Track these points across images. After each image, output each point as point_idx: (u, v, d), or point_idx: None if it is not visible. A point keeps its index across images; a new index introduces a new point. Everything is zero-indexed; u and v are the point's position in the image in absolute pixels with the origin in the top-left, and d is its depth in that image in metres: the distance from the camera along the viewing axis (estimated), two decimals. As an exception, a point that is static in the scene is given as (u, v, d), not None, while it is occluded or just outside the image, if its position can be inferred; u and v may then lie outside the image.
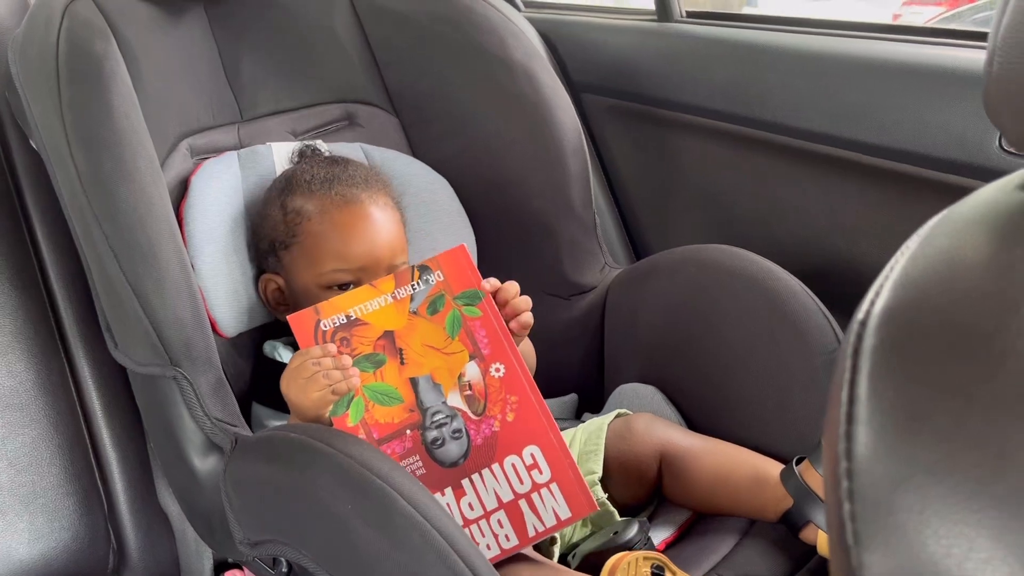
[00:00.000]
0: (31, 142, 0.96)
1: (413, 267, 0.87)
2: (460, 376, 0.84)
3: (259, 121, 1.16)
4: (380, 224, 0.98)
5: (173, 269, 0.85)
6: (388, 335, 0.84)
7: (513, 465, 0.82)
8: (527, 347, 1.02)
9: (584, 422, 1.10)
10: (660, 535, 0.92)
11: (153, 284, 0.83)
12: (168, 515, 1.07)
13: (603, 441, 0.96)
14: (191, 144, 1.08)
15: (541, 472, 0.82)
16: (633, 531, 0.83)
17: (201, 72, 1.12)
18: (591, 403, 1.16)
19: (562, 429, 0.92)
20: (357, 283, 0.95)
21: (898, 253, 0.41)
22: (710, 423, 1.00)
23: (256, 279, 1.02)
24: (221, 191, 1.04)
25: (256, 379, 1.01)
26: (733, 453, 0.93)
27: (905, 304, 0.37)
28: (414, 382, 0.83)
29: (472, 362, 0.85)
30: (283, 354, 0.99)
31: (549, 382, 0.98)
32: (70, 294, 1.03)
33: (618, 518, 0.91)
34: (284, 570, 0.83)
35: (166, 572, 1.06)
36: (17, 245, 1.01)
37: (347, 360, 0.81)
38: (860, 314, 0.38)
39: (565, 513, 0.81)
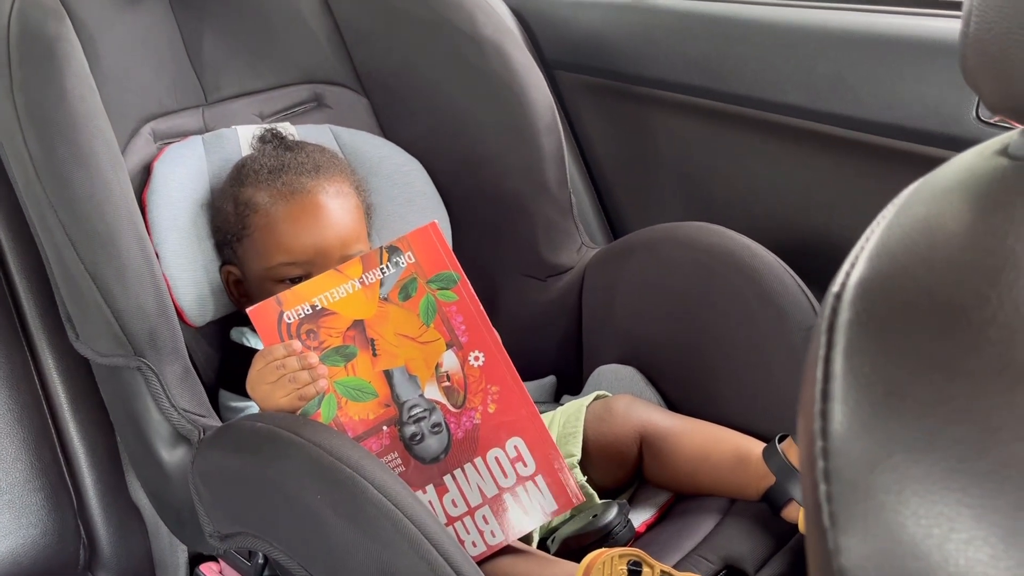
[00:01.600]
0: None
1: (381, 249, 0.82)
2: (437, 366, 0.81)
3: (224, 104, 1.13)
4: (329, 214, 0.95)
5: (134, 256, 0.82)
6: (358, 325, 0.79)
7: (496, 459, 0.79)
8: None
9: (563, 404, 1.10)
10: (640, 517, 0.91)
11: (114, 272, 0.80)
12: (140, 509, 1.04)
13: (582, 423, 0.94)
14: (154, 128, 1.05)
15: (526, 465, 0.80)
16: (613, 514, 0.82)
17: (163, 54, 1.09)
18: (569, 385, 1.14)
19: (541, 412, 0.91)
20: (307, 276, 0.93)
21: (874, 223, 0.39)
22: (691, 403, 0.99)
23: (221, 269, 1.00)
24: (185, 176, 1.01)
25: (224, 366, 0.99)
26: (714, 432, 0.92)
27: (881, 275, 0.35)
28: (388, 375, 0.79)
29: (450, 351, 0.81)
30: (251, 339, 0.97)
31: (526, 365, 0.96)
32: (31, 283, 1.00)
33: (598, 501, 0.90)
34: (260, 561, 0.81)
35: (139, 567, 1.04)
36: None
37: (313, 358, 0.77)
38: (835, 287, 0.36)
39: (551, 506, 0.79)
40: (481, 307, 0.84)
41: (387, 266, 0.82)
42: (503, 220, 1.17)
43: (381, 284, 0.81)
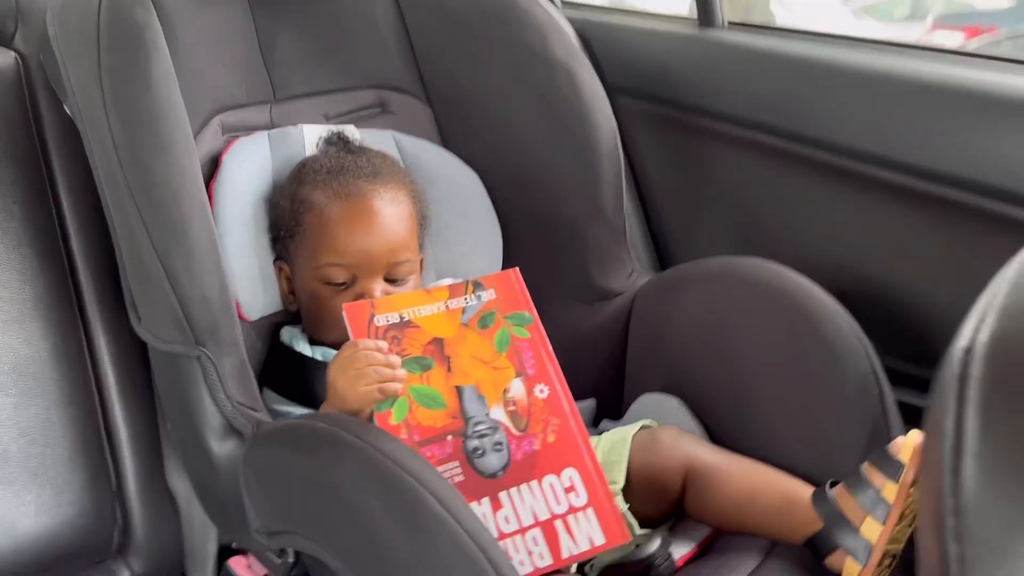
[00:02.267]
0: (65, 107, 0.94)
1: (467, 282, 0.88)
2: (505, 391, 0.84)
3: (292, 102, 1.14)
4: (381, 219, 0.96)
5: (204, 247, 0.83)
6: (438, 342, 0.84)
7: (551, 485, 0.81)
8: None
9: (604, 430, 1.09)
10: (680, 550, 0.90)
11: (183, 261, 0.81)
12: (175, 496, 1.05)
13: (627, 452, 0.93)
14: (223, 120, 1.06)
15: (578, 496, 0.81)
16: (655, 546, 0.81)
17: (237, 48, 1.10)
18: (609, 410, 1.14)
19: (583, 436, 0.91)
20: (352, 280, 0.94)
21: (997, 280, 0.39)
22: (735, 440, 0.98)
23: (275, 263, 1.01)
24: (251, 171, 1.02)
25: (270, 365, 0.99)
26: (762, 472, 0.91)
27: (1016, 334, 0.35)
28: (459, 390, 0.83)
29: (518, 379, 0.85)
30: (302, 345, 0.97)
31: (568, 386, 0.96)
32: (91, 264, 1.01)
33: (638, 530, 0.89)
34: (291, 560, 0.81)
35: (170, 553, 1.04)
36: (40, 210, 0.99)
37: (396, 359, 0.80)
38: (963, 341, 0.36)
39: (599, 539, 0.80)
40: (551, 348, 0.88)
41: (471, 297, 0.87)
42: (556, 241, 1.17)
43: (463, 311, 0.87)
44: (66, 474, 0.96)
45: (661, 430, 0.97)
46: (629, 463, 0.93)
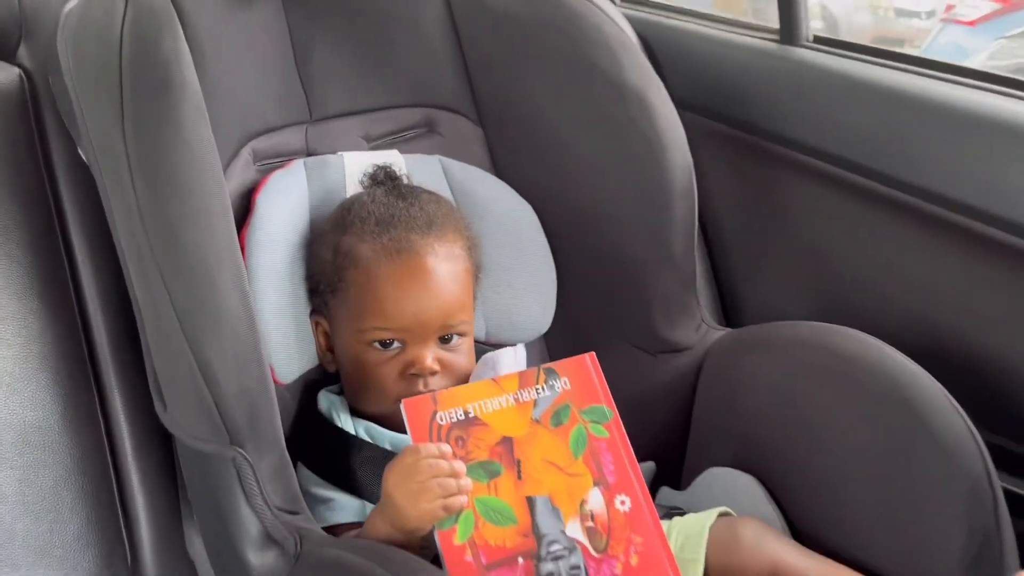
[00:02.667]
0: (78, 149, 0.82)
1: (539, 369, 0.79)
2: (582, 503, 0.75)
3: (329, 122, 1.02)
4: (435, 280, 0.86)
5: (242, 332, 0.72)
6: (507, 442, 0.75)
7: None
8: None
9: (665, 505, 1.00)
10: (761, 667, 0.81)
11: (218, 350, 0.70)
12: (195, 563, 0.95)
13: (703, 548, 0.84)
14: (254, 148, 0.94)
15: None
16: None
17: (271, 63, 0.97)
18: (669, 476, 1.04)
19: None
20: (402, 343, 0.85)
21: None
22: (818, 534, 0.89)
23: (311, 315, 0.90)
24: (287, 212, 0.90)
25: (305, 435, 0.88)
26: (860, 587, 0.82)
27: None
28: (531, 502, 0.74)
29: (596, 489, 0.76)
30: (343, 418, 0.86)
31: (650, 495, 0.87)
32: (106, 315, 0.90)
33: (716, 644, 0.81)
34: None
35: (189, 629, 0.95)
36: (48, 254, 0.87)
37: (461, 467, 0.71)
38: None
39: None
40: (631, 451, 0.79)
41: (543, 387, 0.79)
42: (616, 285, 1.06)
43: (535, 405, 0.78)
44: (77, 552, 0.86)
45: (742, 525, 0.87)
46: (705, 562, 0.84)
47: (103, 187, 0.74)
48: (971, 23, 2.46)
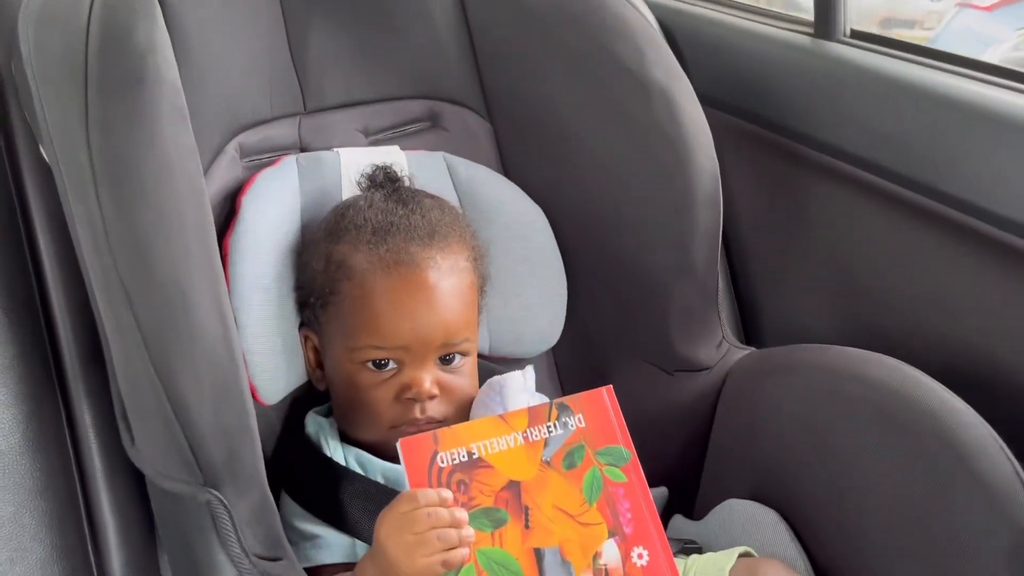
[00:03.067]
0: (40, 148, 0.74)
1: (551, 404, 0.73)
2: (595, 557, 0.69)
3: (324, 114, 0.94)
4: (436, 295, 0.79)
5: (220, 360, 0.64)
6: (513, 486, 0.69)
7: None
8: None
9: (681, 538, 0.93)
10: None
11: (192, 383, 0.63)
12: (170, 589, 0.88)
13: (724, 595, 0.77)
14: (241, 143, 0.87)
15: None
16: None
17: (262, 48, 0.89)
18: (683, 504, 0.97)
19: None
20: (398, 362, 0.78)
21: None
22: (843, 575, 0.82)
23: (300, 328, 0.83)
24: (276, 217, 0.83)
25: (291, 460, 0.81)
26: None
27: None
28: (539, 554, 0.68)
29: (611, 540, 0.70)
30: (333, 446, 0.79)
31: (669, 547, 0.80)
32: (74, 326, 0.82)
33: None
34: None
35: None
36: (14, 262, 0.79)
37: (463, 516, 0.65)
38: None
39: None
40: (651, 496, 0.73)
41: (555, 424, 0.73)
42: (632, 297, 0.98)
43: (545, 444, 0.71)
44: (41, 581, 0.80)
45: (765, 566, 0.81)
46: (725, 609, 0.77)
47: (64, 194, 0.66)
48: (988, 8, 2.38)
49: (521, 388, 0.80)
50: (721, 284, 1.15)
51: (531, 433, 0.71)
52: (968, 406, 0.80)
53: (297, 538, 0.76)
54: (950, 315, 0.99)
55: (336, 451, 0.79)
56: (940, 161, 0.95)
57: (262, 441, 0.79)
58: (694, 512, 0.96)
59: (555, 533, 0.69)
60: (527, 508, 0.68)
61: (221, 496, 0.64)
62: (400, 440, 0.67)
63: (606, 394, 0.75)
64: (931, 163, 0.96)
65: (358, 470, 0.78)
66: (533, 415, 0.73)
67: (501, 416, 0.73)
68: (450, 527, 0.64)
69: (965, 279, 0.97)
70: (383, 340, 0.77)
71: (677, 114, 0.92)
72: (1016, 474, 0.77)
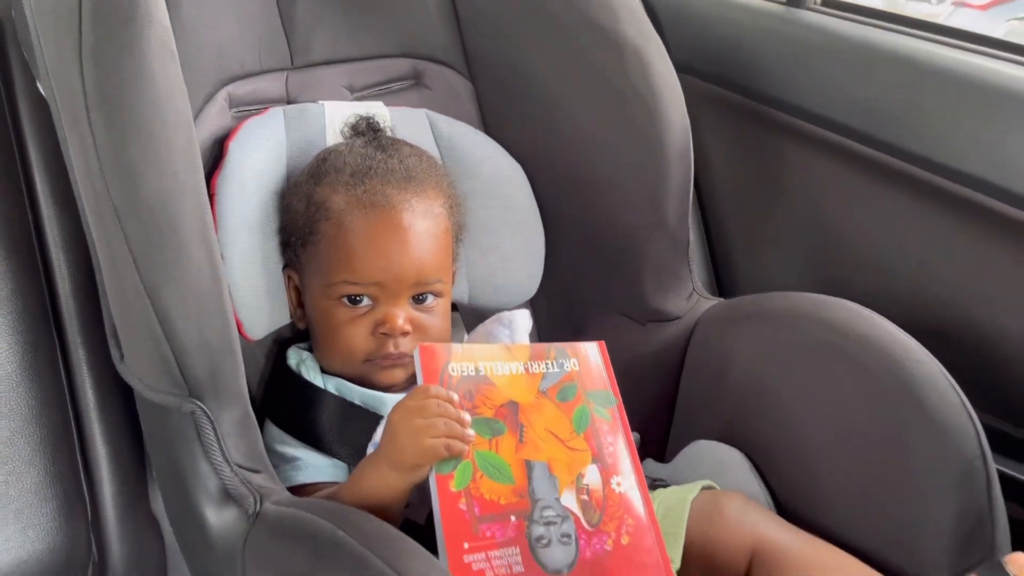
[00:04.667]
0: (38, 85, 0.78)
1: (550, 346, 0.79)
2: (579, 476, 0.74)
3: (311, 70, 0.97)
4: (409, 236, 0.82)
5: (204, 279, 0.68)
6: (512, 406, 0.74)
7: None
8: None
9: (651, 477, 0.96)
10: (740, 646, 0.78)
11: (178, 300, 0.66)
12: (160, 523, 0.92)
13: (685, 522, 0.81)
14: (231, 93, 0.90)
15: None
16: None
17: (252, 4, 0.93)
18: (654, 449, 1.01)
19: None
20: (373, 299, 0.81)
21: None
22: (806, 511, 0.86)
23: (283, 270, 0.87)
24: (262, 161, 0.86)
25: (274, 391, 0.85)
26: (844, 565, 0.79)
27: None
28: (529, 466, 0.72)
29: (594, 465, 0.75)
30: (313, 374, 0.83)
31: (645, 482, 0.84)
32: (69, 258, 0.86)
33: (694, 620, 0.78)
34: None
35: (151, 588, 0.92)
36: (9, 197, 0.83)
37: (467, 417, 0.70)
38: None
39: None
40: (632, 437, 0.78)
41: (552, 363, 0.79)
42: (607, 251, 1.02)
43: (543, 377, 0.77)
44: (34, 506, 0.83)
45: (725, 498, 0.84)
46: (687, 535, 0.81)
47: (60, 123, 0.70)
48: (982, 7, 2.42)
49: (527, 326, 0.84)
50: (696, 241, 1.19)
51: (531, 365, 0.77)
52: (919, 344, 0.84)
53: (278, 461, 0.79)
54: (917, 270, 1.03)
55: (316, 379, 0.82)
56: (905, 122, 0.99)
57: (249, 379, 0.84)
58: (665, 456, 1.00)
59: (545, 451, 0.73)
60: (522, 426, 0.73)
61: (204, 407, 0.68)
62: (420, 345, 0.73)
63: (599, 347, 0.81)
64: (897, 124, 1.00)
65: (336, 394, 0.81)
66: (534, 351, 0.78)
67: (507, 346, 0.78)
68: (456, 421, 0.68)
69: (931, 235, 1.01)
70: (357, 276, 0.80)
71: (648, 72, 0.96)
72: (963, 406, 0.81)
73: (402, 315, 0.81)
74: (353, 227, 0.80)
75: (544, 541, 0.69)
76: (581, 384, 0.78)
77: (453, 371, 0.73)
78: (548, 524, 0.70)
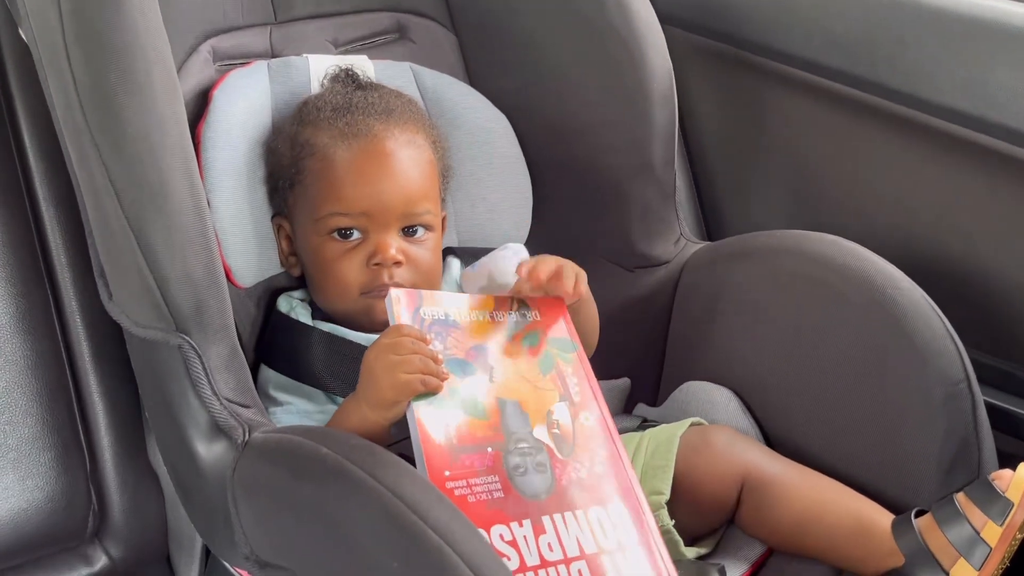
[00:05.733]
0: (20, 30, 0.79)
1: (512, 298, 0.81)
2: (549, 413, 0.75)
3: (295, 24, 0.98)
4: (395, 163, 0.83)
5: (187, 214, 0.69)
6: (481, 349, 0.76)
7: (599, 518, 0.71)
8: (590, 316, 0.89)
9: (641, 417, 0.97)
10: (730, 573, 0.79)
11: (161, 232, 0.67)
12: (159, 474, 0.93)
13: (674, 456, 0.82)
14: (214, 46, 0.91)
15: (627, 534, 0.71)
16: (713, 582, 0.70)
17: (233, -45, 0.93)
18: (646, 393, 1.02)
19: (621, 432, 0.80)
20: (363, 231, 0.82)
21: None
22: (795, 444, 0.87)
23: (272, 219, 0.87)
24: (247, 111, 0.87)
25: (267, 338, 0.86)
26: (830, 489, 0.80)
27: None
28: (502, 403, 0.74)
29: (562, 403, 0.77)
30: (301, 314, 0.84)
31: (599, 362, 0.86)
32: (60, 213, 0.87)
33: (683, 548, 0.79)
34: None
35: (152, 537, 0.94)
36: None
37: (441, 358, 0.71)
38: None
39: None
40: (595, 379, 0.80)
41: (515, 313, 0.80)
42: (594, 198, 1.02)
43: (507, 326, 0.79)
44: (32, 455, 0.85)
45: (713, 431, 0.85)
46: (676, 468, 0.81)
47: (40, 65, 0.71)
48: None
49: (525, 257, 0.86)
50: (684, 187, 1.20)
51: (496, 315, 0.79)
52: (901, 272, 0.85)
53: (271, 404, 0.81)
54: (899, 206, 1.03)
55: (307, 320, 0.83)
56: (888, 59, 0.99)
57: (243, 328, 0.85)
58: (657, 400, 1.01)
59: (515, 390, 0.75)
60: (492, 367, 0.75)
61: (191, 341, 0.69)
62: (391, 288, 0.74)
63: (559, 304, 0.83)
64: (879, 62, 1.00)
65: (328, 333, 0.82)
66: (498, 302, 0.80)
67: (471, 296, 0.80)
68: (430, 357, 0.69)
69: (912, 171, 1.01)
70: (345, 207, 0.81)
71: (629, 15, 0.96)
72: (946, 330, 0.81)
73: (393, 245, 0.82)
74: (337, 158, 0.81)
75: (521, 470, 0.70)
76: (543, 333, 0.80)
77: (425, 315, 0.74)
78: (523, 455, 0.71)
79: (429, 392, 0.69)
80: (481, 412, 0.72)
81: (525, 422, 0.74)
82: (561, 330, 0.82)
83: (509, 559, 0.64)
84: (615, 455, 0.76)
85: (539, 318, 0.81)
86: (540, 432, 0.74)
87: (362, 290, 0.82)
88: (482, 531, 0.63)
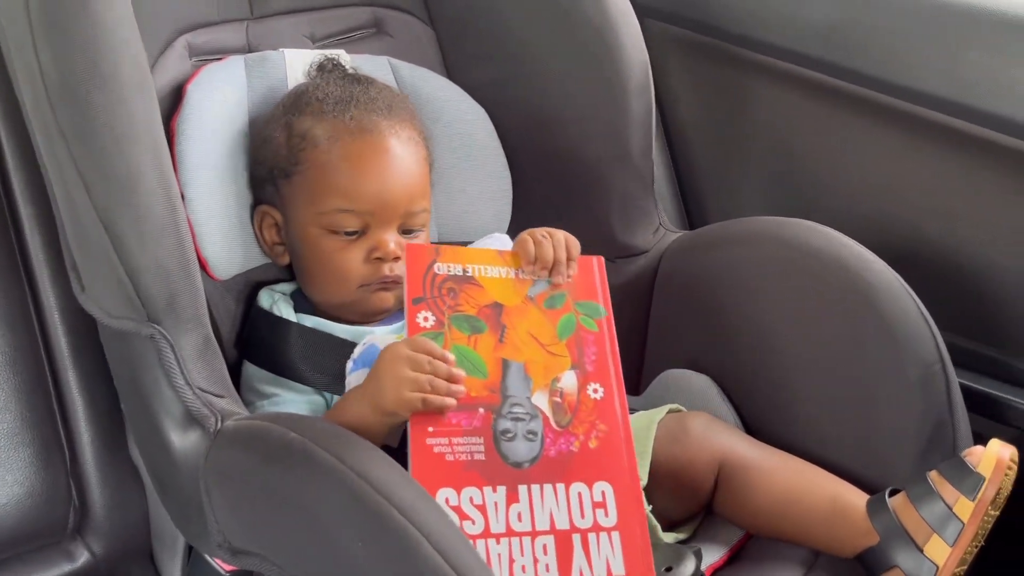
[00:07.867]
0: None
1: None
2: (554, 380, 0.75)
3: (272, 20, 0.98)
4: (399, 161, 0.83)
5: (157, 204, 0.69)
6: (496, 307, 0.76)
7: (580, 495, 0.71)
8: None
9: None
10: (708, 557, 0.79)
11: (131, 223, 0.67)
12: (140, 469, 0.93)
13: (651, 442, 0.82)
14: (190, 42, 0.91)
15: (607, 515, 0.71)
16: (689, 570, 0.70)
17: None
18: (627, 383, 1.01)
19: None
20: (364, 229, 0.82)
21: None
22: (773, 429, 0.87)
23: (253, 210, 0.87)
24: (223, 104, 0.87)
25: (249, 334, 0.86)
26: (807, 472, 0.80)
27: None
28: (505, 364, 0.74)
29: (571, 371, 0.76)
30: (283, 309, 0.84)
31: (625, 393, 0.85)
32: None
33: (661, 534, 0.78)
34: None
35: (134, 533, 0.94)
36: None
37: (460, 374, 0.70)
38: None
39: (618, 569, 0.70)
40: (618, 352, 0.79)
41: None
42: (574, 189, 1.03)
43: (533, 284, 0.79)
44: (11, 450, 0.85)
45: (690, 417, 0.85)
46: (653, 455, 0.82)
47: (8, 54, 0.71)
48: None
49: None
50: (664, 177, 1.20)
51: (521, 272, 0.79)
52: (875, 255, 0.85)
53: (255, 398, 0.81)
54: (880, 193, 1.04)
55: (289, 315, 0.83)
56: (867, 47, 1.00)
57: (223, 323, 0.85)
58: (639, 389, 1.01)
59: (524, 353, 0.75)
60: (504, 327, 0.75)
61: (164, 331, 0.69)
62: (406, 245, 0.75)
63: (596, 262, 0.82)
64: (858, 50, 1.01)
65: (312, 328, 0.82)
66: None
67: (499, 251, 0.80)
68: (446, 379, 0.69)
69: (892, 157, 1.02)
70: (351, 203, 0.81)
71: (605, 7, 0.97)
72: (920, 312, 0.82)
73: (393, 240, 0.82)
74: (342, 153, 0.82)
75: (509, 435, 0.70)
76: (572, 294, 0.79)
77: (439, 270, 0.74)
78: (516, 420, 0.71)
79: (429, 411, 0.68)
80: (481, 371, 0.72)
81: (526, 386, 0.74)
82: (592, 293, 0.80)
83: (474, 522, 0.64)
84: (616, 433, 0.75)
85: (570, 279, 0.81)
86: (539, 399, 0.73)
87: (361, 282, 0.82)
88: (452, 491, 0.63)
